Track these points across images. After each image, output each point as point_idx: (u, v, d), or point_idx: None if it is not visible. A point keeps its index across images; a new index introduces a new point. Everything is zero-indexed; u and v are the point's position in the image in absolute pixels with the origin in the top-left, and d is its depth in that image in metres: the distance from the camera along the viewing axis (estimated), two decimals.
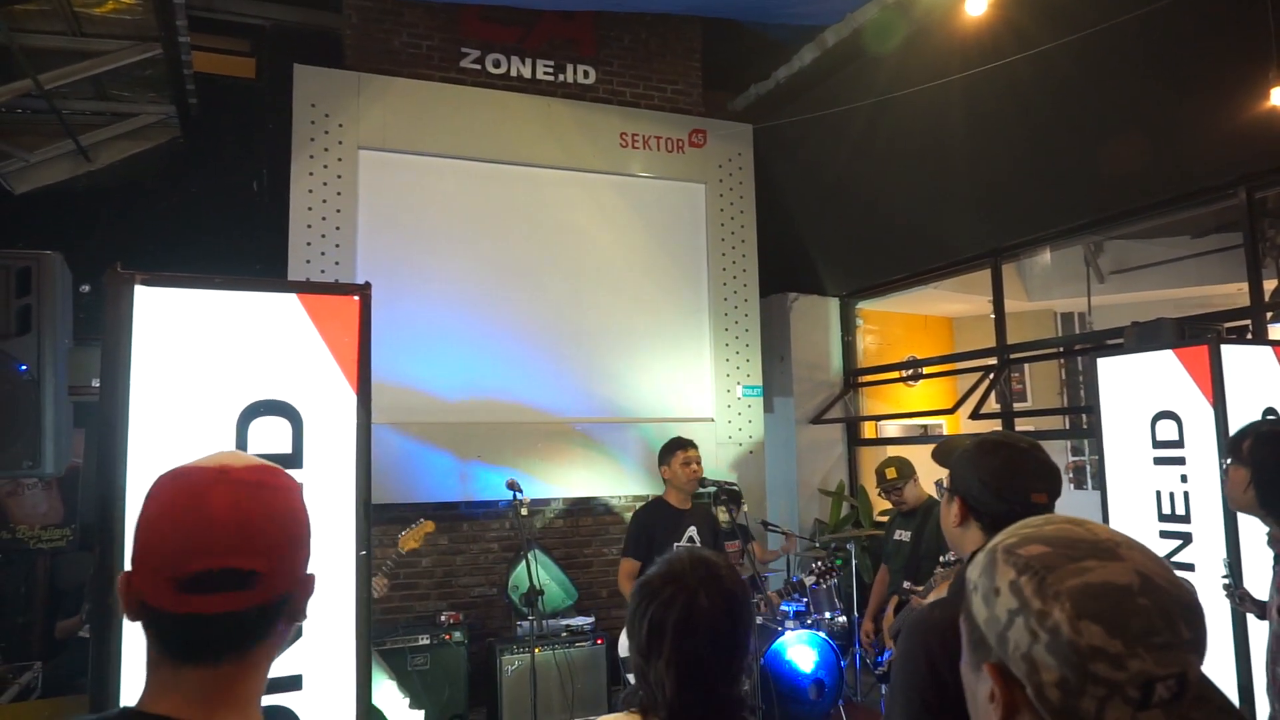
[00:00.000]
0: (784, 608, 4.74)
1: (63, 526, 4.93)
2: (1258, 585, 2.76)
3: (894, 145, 5.73)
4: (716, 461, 5.96)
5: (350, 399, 2.18)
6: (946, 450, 1.71)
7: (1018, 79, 4.64)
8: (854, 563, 5.49)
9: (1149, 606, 0.67)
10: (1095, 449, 3.77)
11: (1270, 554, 2.41)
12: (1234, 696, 2.70)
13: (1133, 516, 3.44)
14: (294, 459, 2.09)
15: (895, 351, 7.97)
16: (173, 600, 0.85)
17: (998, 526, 0.83)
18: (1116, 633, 0.65)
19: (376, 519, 3.80)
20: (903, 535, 4.47)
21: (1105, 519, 3.56)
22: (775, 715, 4.18)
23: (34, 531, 4.87)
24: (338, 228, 5.27)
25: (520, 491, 4.52)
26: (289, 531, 0.92)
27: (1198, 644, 0.67)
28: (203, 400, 2.03)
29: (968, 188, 5.60)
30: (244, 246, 5.44)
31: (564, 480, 5.67)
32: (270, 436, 2.07)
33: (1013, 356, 6.16)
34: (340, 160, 5.33)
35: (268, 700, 0.96)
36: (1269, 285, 4.65)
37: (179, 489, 0.90)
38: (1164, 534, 3.33)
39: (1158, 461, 3.38)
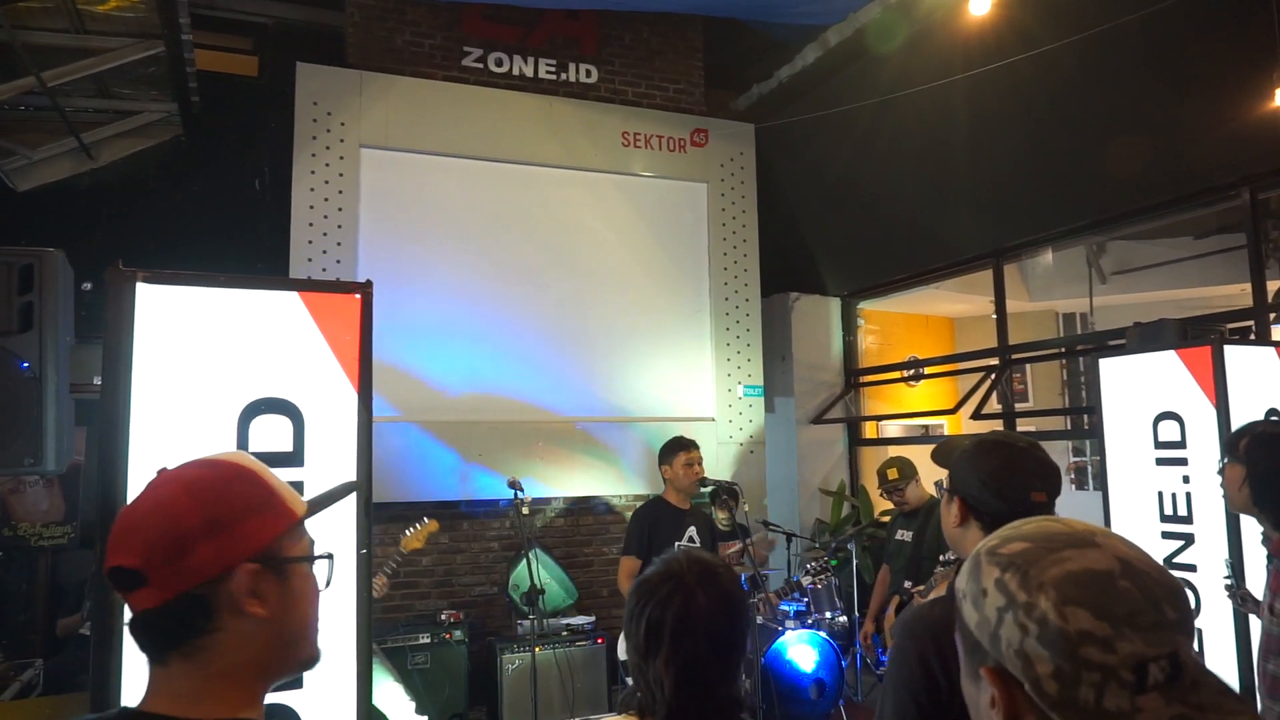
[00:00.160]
0: (784, 607, 4.74)
1: (64, 524, 4.94)
2: (1259, 586, 2.75)
3: (896, 145, 5.73)
4: (717, 461, 5.96)
5: (351, 397, 2.18)
6: (946, 450, 1.70)
7: (1020, 79, 4.63)
8: (855, 562, 5.48)
9: (1131, 589, 0.68)
10: (1097, 450, 3.76)
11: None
12: None
13: (1134, 517, 3.43)
14: (295, 457, 2.09)
15: (896, 351, 7.97)
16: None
17: (998, 526, 0.83)
18: (1103, 615, 0.66)
19: (377, 518, 3.81)
20: (904, 535, 4.47)
21: (1107, 520, 3.56)
22: (776, 715, 4.18)
23: (35, 529, 4.88)
24: (339, 226, 5.27)
25: (521, 490, 4.52)
26: (178, 526, 0.86)
27: (1184, 624, 0.68)
28: (204, 398, 2.03)
29: (970, 187, 5.60)
30: (246, 244, 5.44)
31: (564, 479, 5.67)
32: (271, 435, 2.07)
33: (1014, 357, 6.16)
34: (342, 158, 5.33)
35: (268, 699, 0.95)
36: (1272, 286, 4.64)
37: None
38: (1166, 535, 3.33)
39: (1160, 462, 3.38)
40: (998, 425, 6.13)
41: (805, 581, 4.55)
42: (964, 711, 0.82)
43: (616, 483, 5.83)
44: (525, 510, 4.56)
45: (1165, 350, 3.42)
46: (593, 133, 6.03)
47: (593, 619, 5.29)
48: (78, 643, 4.31)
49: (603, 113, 6.11)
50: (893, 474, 4.47)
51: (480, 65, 5.87)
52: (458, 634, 4.88)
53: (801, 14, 5.49)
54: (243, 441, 2.03)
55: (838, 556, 5.21)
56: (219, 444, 2.01)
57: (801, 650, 4.52)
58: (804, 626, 4.65)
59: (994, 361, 6.12)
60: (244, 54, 6.30)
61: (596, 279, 5.96)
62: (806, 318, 7.17)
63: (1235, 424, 3.01)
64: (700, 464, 4.17)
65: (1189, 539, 3.26)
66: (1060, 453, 8.26)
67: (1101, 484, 3.64)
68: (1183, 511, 3.29)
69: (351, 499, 2.14)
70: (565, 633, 5.07)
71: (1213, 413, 3.19)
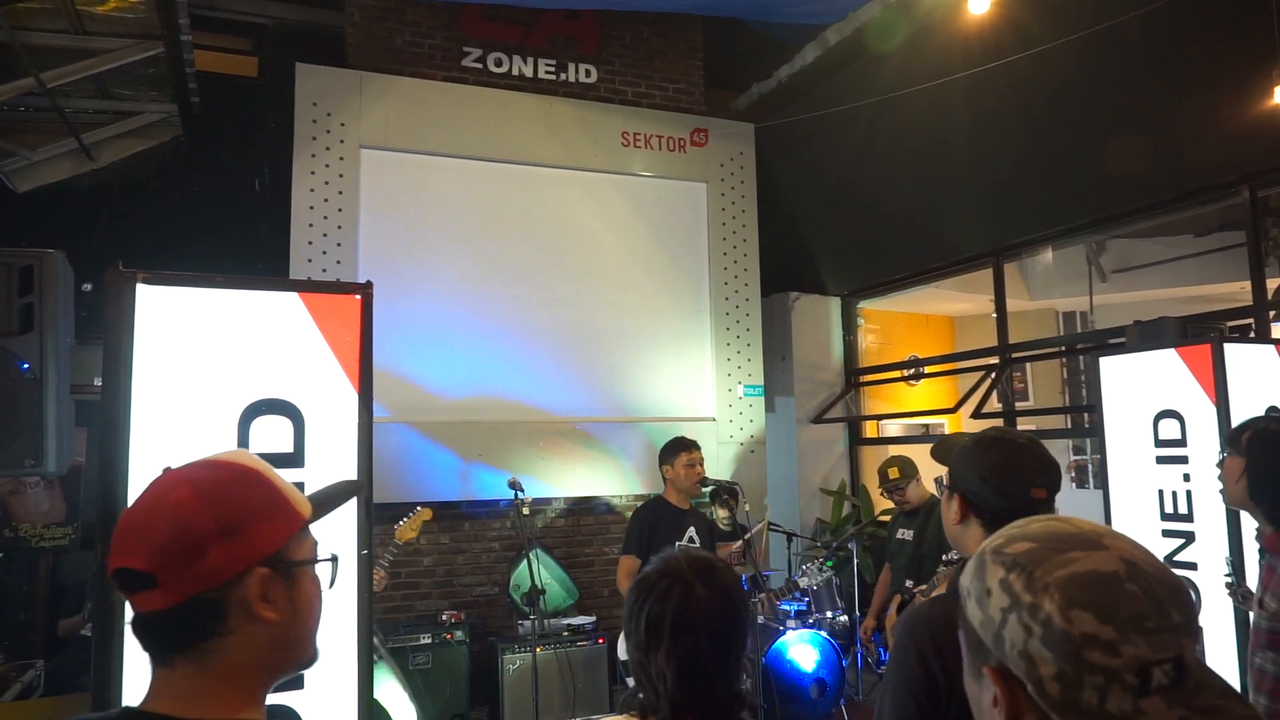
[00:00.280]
0: (784, 606, 4.74)
1: (65, 525, 4.94)
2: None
3: (896, 144, 5.73)
4: (718, 461, 5.96)
5: (351, 398, 2.18)
6: (945, 448, 1.70)
7: (1020, 78, 4.63)
8: (855, 562, 5.49)
9: (1137, 592, 0.67)
10: (1097, 448, 3.76)
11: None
12: None
13: (1135, 515, 3.44)
14: (295, 458, 2.09)
15: (897, 351, 7.97)
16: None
17: (998, 523, 0.84)
18: (1107, 619, 0.66)
19: (377, 518, 3.81)
20: (905, 534, 4.48)
21: (1107, 518, 3.56)
22: (777, 714, 4.18)
23: (36, 530, 4.88)
24: (339, 226, 5.27)
25: (522, 490, 4.52)
26: (190, 529, 0.85)
27: (1189, 627, 0.68)
28: (204, 399, 2.03)
29: (970, 186, 5.60)
30: (245, 245, 5.44)
31: (565, 479, 5.67)
32: (272, 435, 2.07)
33: (1014, 356, 6.16)
34: (342, 159, 5.33)
35: (268, 700, 0.95)
36: (1272, 284, 4.64)
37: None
38: (1166, 533, 3.33)
39: (1160, 460, 3.38)
40: (998, 424, 6.13)
41: (803, 583, 4.56)
42: (963, 710, 0.82)
43: (617, 483, 5.83)
44: (526, 510, 4.55)
45: (1165, 348, 3.42)
46: (592, 133, 6.03)
47: (594, 619, 5.29)
48: (79, 644, 4.31)
49: (602, 113, 6.11)
50: (893, 473, 4.47)
51: (480, 65, 5.87)
52: (459, 634, 4.88)
53: (801, 14, 5.49)
54: (243, 442, 2.03)
55: (837, 556, 5.20)
56: (220, 445, 2.01)
57: (802, 650, 4.52)
58: (805, 626, 4.65)
59: (994, 360, 6.12)
60: (244, 54, 6.30)
61: (597, 279, 5.96)
62: (806, 317, 7.18)
63: (1235, 422, 3.01)
64: (702, 464, 4.17)
65: (1189, 537, 3.26)
66: (1061, 451, 8.26)
67: (1102, 482, 3.65)
68: (1183, 509, 3.29)
69: (352, 499, 2.14)
70: (566, 633, 5.07)
71: (1213, 411, 3.20)
